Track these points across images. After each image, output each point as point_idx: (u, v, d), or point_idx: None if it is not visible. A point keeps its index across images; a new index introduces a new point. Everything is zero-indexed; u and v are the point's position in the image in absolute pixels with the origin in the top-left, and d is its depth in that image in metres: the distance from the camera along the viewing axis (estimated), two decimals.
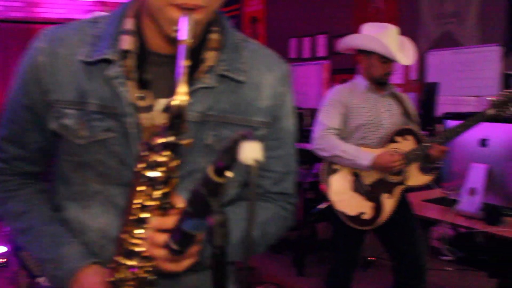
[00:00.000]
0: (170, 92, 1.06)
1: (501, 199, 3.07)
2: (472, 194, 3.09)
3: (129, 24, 1.09)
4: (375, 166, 3.00)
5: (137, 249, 1.01)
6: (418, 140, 3.11)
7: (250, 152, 0.66)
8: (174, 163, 0.95)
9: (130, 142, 1.07)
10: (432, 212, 3.37)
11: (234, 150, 0.68)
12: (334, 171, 3.12)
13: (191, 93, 1.01)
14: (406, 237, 3.16)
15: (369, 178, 3.08)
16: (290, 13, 7.68)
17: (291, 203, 1.28)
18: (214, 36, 1.12)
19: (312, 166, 4.92)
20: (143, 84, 1.08)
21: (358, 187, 3.09)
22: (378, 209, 3.08)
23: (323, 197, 3.22)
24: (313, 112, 6.44)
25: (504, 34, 4.90)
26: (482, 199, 3.05)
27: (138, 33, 1.09)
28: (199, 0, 0.96)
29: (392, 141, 3.12)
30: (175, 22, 0.96)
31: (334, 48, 6.45)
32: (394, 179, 3.09)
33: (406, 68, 5.79)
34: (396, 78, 5.78)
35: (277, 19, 8.00)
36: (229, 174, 0.74)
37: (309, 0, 7.25)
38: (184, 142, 0.93)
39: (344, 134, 3.14)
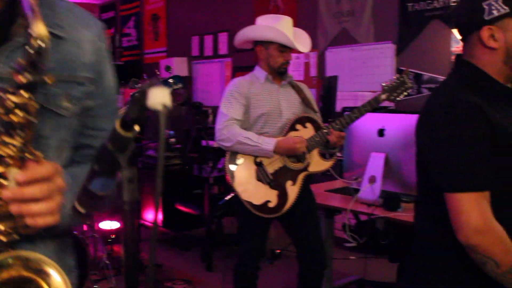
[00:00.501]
0: None
1: (399, 186, 3.22)
2: (372, 182, 3.21)
3: None
4: (279, 150, 3.05)
5: None
6: (317, 127, 3.19)
7: (158, 97, 0.65)
8: (34, 106, 0.88)
9: None
10: (335, 201, 3.49)
11: (141, 101, 0.67)
12: (238, 162, 3.14)
13: (12, 51, 0.96)
14: (309, 225, 3.24)
15: (272, 167, 3.13)
16: (191, 10, 7.65)
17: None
18: None
19: (216, 162, 4.93)
20: None
21: (262, 176, 3.13)
22: (282, 196, 3.13)
23: (228, 191, 3.21)
24: (216, 110, 6.46)
25: (397, 32, 5.15)
26: (381, 186, 3.18)
27: None
28: None
29: (292, 129, 3.19)
30: None
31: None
32: (296, 166, 3.16)
33: (306, 65, 5.94)
34: (296, 75, 5.92)
35: (178, 16, 7.94)
36: (136, 127, 0.72)
37: None
38: (47, 78, 0.88)
39: (246, 125, 3.17)
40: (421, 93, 4.94)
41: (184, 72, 7.62)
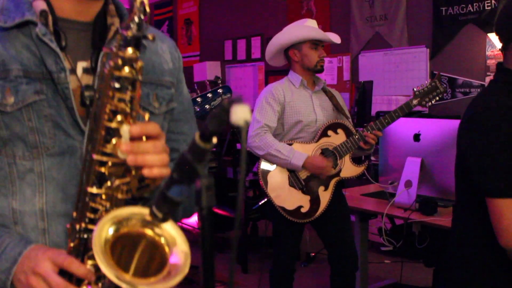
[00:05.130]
0: (84, 55, 1.10)
1: (435, 190, 3.24)
2: (408, 186, 3.24)
3: None
4: (307, 167, 3.11)
5: (108, 171, 0.98)
6: (349, 133, 3.23)
7: (240, 113, 0.71)
8: (139, 64, 0.96)
9: (62, 103, 1.07)
10: (370, 205, 3.52)
11: (221, 116, 0.74)
12: (271, 168, 3.20)
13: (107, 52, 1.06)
14: (340, 227, 3.28)
15: (304, 173, 3.18)
16: (224, 15, 7.74)
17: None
18: (111, 7, 1.19)
19: (251, 166, 4.99)
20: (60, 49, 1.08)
21: (295, 182, 3.18)
22: (315, 201, 3.18)
23: (263, 194, 3.26)
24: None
25: (430, 36, 5.16)
26: (417, 191, 3.21)
27: (45, 0, 1.10)
28: None
29: (324, 135, 3.23)
30: None
31: None
32: None
33: (339, 69, 5.98)
34: (329, 79, 5.96)
35: (211, 21, 8.04)
36: (214, 139, 0.79)
37: (243, 2, 7.35)
38: (150, 36, 0.95)
39: (279, 131, 3.23)
40: (455, 97, 4.95)
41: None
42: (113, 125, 0.96)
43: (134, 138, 0.96)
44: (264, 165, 3.20)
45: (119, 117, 0.96)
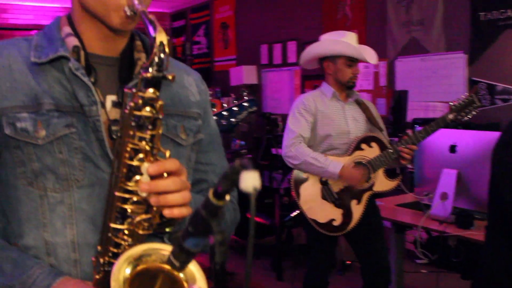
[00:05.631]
0: (112, 89, 1.15)
1: (471, 203, 3.21)
2: (443, 199, 3.22)
3: (67, 30, 1.16)
4: (342, 175, 3.11)
5: (130, 208, 1.01)
6: (383, 147, 3.22)
7: (250, 180, 0.73)
8: (159, 103, 0.97)
9: (93, 135, 1.11)
10: (406, 216, 3.50)
11: (233, 177, 0.77)
12: (303, 180, 3.21)
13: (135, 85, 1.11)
14: (372, 240, 3.28)
15: (337, 186, 3.18)
16: (259, 19, 7.76)
17: (234, 196, 1.37)
18: (138, 42, 1.24)
19: (287, 172, 5.01)
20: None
21: (327, 195, 3.18)
22: (347, 215, 3.18)
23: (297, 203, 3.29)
24: (285, 118, 6.53)
25: (468, 41, 5.08)
26: (453, 203, 3.18)
27: (77, 37, 1.16)
28: None
29: (358, 148, 3.23)
30: (121, 7, 1.06)
31: None
32: (361, 185, 3.20)
33: (376, 74, 5.94)
34: (366, 85, 5.93)
35: (247, 25, 8.08)
36: (227, 197, 0.82)
37: (278, 7, 7.36)
38: (170, 76, 0.97)
39: (311, 142, 3.24)
40: (494, 104, 4.86)
41: (253, 80, 7.76)
42: (134, 163, 0.99)
43: (154, 176, 0.99)
44: (297, 177, 3.22)
45: (140, 155, 0.99)
